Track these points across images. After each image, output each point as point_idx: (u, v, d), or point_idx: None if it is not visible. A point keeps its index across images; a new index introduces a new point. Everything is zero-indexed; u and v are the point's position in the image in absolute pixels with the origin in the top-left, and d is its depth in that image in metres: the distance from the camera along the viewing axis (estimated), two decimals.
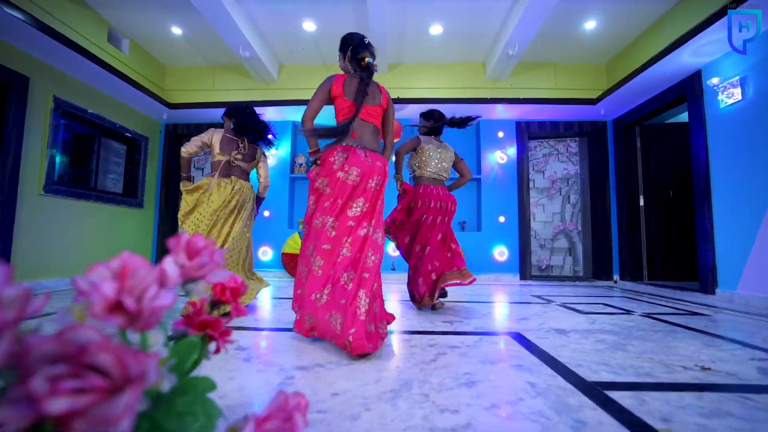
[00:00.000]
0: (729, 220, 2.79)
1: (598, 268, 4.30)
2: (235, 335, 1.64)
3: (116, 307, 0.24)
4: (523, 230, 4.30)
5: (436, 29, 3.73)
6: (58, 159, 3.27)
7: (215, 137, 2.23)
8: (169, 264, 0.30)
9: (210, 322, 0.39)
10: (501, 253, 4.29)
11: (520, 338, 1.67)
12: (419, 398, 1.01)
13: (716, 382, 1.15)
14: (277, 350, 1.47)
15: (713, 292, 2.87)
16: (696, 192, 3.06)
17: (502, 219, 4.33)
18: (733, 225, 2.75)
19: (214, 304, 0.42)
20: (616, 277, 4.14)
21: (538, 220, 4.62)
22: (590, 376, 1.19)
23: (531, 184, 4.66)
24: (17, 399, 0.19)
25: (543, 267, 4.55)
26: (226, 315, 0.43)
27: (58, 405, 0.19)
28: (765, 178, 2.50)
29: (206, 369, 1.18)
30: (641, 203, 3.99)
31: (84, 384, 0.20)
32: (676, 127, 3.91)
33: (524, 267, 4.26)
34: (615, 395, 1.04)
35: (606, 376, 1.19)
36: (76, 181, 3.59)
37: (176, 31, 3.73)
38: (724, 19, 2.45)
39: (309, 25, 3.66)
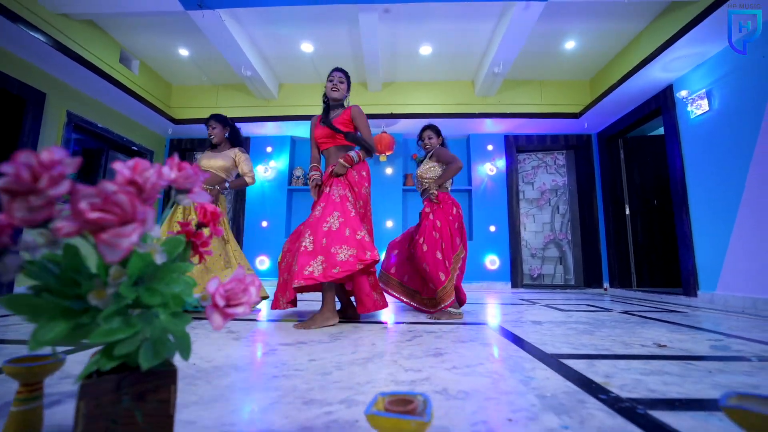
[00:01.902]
0: (706, 225, 2.91)
1: (588, 277, 4.38)
2: (229, 324, 1.74)
3: (131, 182, 0.38)
4: (513, 239, 4.41)
5: (425, 50, 4.00)
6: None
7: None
8: (165, 168, 0.44)
9: (193, 233, 0.52)
10: (492, 261, 4.39)
11: (496, 327, 1.77)
12: (388, 363, 1.11)
13: (666, 354, 1.25)
14: (266, 333, 1.57)
15: (695, 294, 2.95)
16: (674, 199, 3.20)
17: (492, 228, 4.46)
18: (709, 230, 2.87)
19: (199, 225, 0.55)
20: (606, 284, 4.21)
21: (528, 230, 4.74)
22: (551, 350, 1.29)
23: (521, 195, 4.81)
24: (69, 216, 0.32)
25: (534, 276, 4.63)
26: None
27: (93, 215, 0.32)
28: (734, 183, 2.64)
29: (199, 345, 1.29)
30: (627, 212, 4.12)
31: (109, 209, 0.33)
32: (657, 138, 4.10)
33: (515, 275, 4.34)
34: (568, 362, 1.14)
35: (566, 351, 1.29)
36: None
37: (183, 52, 4.01)
38: (688, 37, 2.66)
39: (307, 47, 3.94)
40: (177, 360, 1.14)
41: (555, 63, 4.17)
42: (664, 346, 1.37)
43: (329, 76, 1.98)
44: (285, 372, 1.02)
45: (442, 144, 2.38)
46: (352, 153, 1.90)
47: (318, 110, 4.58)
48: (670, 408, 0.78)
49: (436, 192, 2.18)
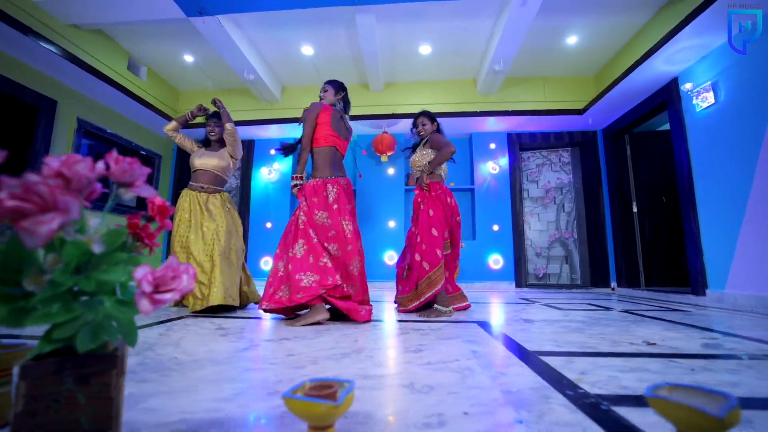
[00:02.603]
0: (713, 222, 2.81)
1: (595, 276, 4.28)
2: (220, 322, 1.78)
3: (59, 174, 0.41)
4: (517, 239, 4.36)
5: (425, 49, 3.99)
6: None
7: None
8: (99, 163, 0.46)
9: (140, 226, 0.54)
10: (496, 261, 4.34)
11: (485, 325, 1.75)
12: (364, 358, 1.12)
13: (653, 352, 1.22)
14: (254, 330, 1.60)
15: (704, 294, 2.85)
16: (681, 196, 3.10)
17: (495, 228, 4.41)
18: (717, 226, 2.77)
19: (149, 219, 0.57)
20: (613, 284, 4.11)
21: (533, 228, 4.67)
22: (533, 348, 1.27)
23: (525, 194, 4.75)
24: None
25: (540, 275, 4.55)
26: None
27: (10, 203, 0.34)
28: (742, 178, 2.55)
29: (187, 341, 1.33)
30: (634, 210, 4.02)
31: (29, 198, 0.36)
32: (665, 133, 3.98)
33: (519, 275, 4.28)
34: (547, 359, 1.13)
35: (548, 348, 1.27)
36: None
37: (188, 58, 4.12)
38: (690, 28, 2.59)
39: (307, 50, 3.99)
40: (160, 353, 1.17)
41: (558, 59, 4.10)
42: (654, 344, 1.33)
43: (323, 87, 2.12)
44: (260, 366, 1.04)
45: (437, 130, 2.32)
46: None
47: None
48: (636, 404, 0.76)
49: (426, 180, 2.14)
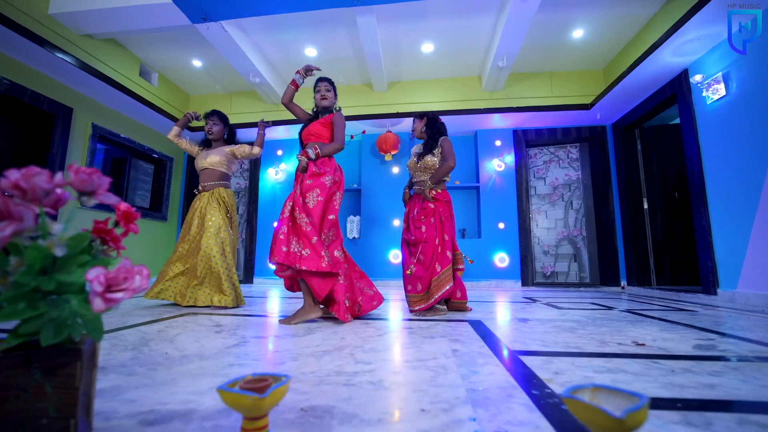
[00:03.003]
0: (725, 219, 2.71)
1: (604, 274, 4.18)
2: (219, 319, 1.85)
3: (15, 186, 0.45)
4: (523, 237, 4.30)
5: (427, 47, 3.98)
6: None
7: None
8: (57, 174, 0.51)
9: (106, 230, 0.58)
10: (501, 259, 4.30)
11: (477, 324, 1.75)
12: (345, 356, 1.15)
13: (639, 353, 1.20)
14: (249, 327, 1.66)
15: (715, 293, 2.76)
16: (692, 191, 3.00)
17: (501, 225, 4.36)
18: (728, 223, 2.67)
19: (117, 223, 0.62)
20: (623, 282, 4.01)
21: (541, 226, 4.60)
22: (517, 347, 1.28)
23: (532, 191, 4.68)
24: None
25: (548, 274, 4.48)
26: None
27: None
28: (755, 172, 2.44)
29: (182, 337, 1.39)
30: (645, 206, 3.90)
31: None
32: (676, 127, 3.85)
33: (526, 273, 4.23)
34: (527, 358, 1.13)
35: (532, 348, 1.27)
36: None
37: (197, 63, 4.25)
38: (698, 18, 2.49)
39: (310, 51, 4.04)
40: (153, 348, 1.23)
41: (564, 53, 4.01)
42: (643, 344, 1.31)
43: (315, 86, 2.08)
44: (243, 362, 1.09)
45: (441, 128, 2.28)
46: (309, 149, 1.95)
47: None
48: None
49: (432, 193, 2.12)
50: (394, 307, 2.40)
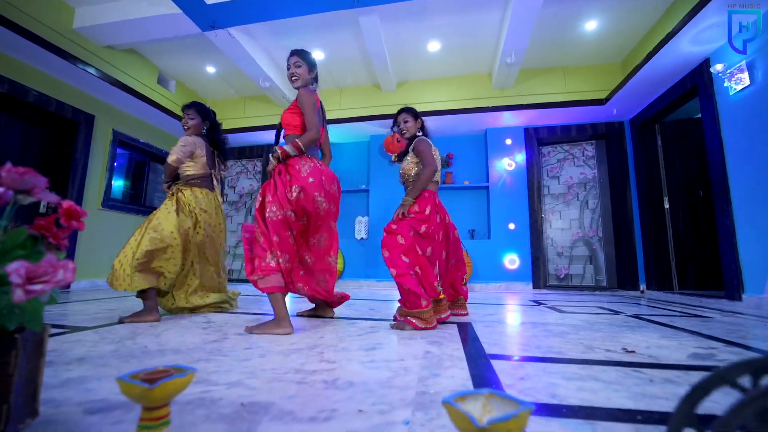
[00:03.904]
0: (750, 219, 2.50)
1: (622, 277, 3.97)
2: (212, 316, 1.91)
3: None
4: (534, 237, 4.16)
5: (434, 46, 3.94)
6: (114, 180, 4.01)
7: (200, 149, 2.07)
8: None
9: (46, 226, 0.62)
10: (512, 261, 4.18)
11: (466, 326, 1.71)
12: (313, 355, 1.15)
13: (624, 360, 1.13)
14: (236, 325, 1.69)
15: (740, 298, 2.55)
16: (714, 189, 2.79)
17: (512, 226, 4.24)
18: (755, 223, 2.46)
19: (60, 223, 0.65)
20: (642, 286, 3.79)
21: (554, 227, 4.43)
22: (493, 351, 1.23)
23: (545, 191, 4.52)
24: None
25: (561, 276, 4.31)
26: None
27: None
28: None
29: (168, 333, 1.44)
30: (666, 206, 3.67)
31: None
32: (699, 121, 3.59)
33: (537, 275, 4.09)
34: (498, 363, 1.09)
35: (509, 352, 1.23)
36: (129, 198, 4.32)
37: (210, 69, 4.41)
38: (717, 4, 2.33)
39: (318, 54, 4.10)
40: (137, 342, 1.28)
41: (578, 47, 3.85)
42: (632, 351, 1.24)
43: (287, 66, 1.75)
44: (212, 357, 1.11)
45: (422, 129, 1.99)
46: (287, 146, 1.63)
47: (335, 114, 4.76)
48: (550, 414, 0.72)
49: (406, 210, 1.77)
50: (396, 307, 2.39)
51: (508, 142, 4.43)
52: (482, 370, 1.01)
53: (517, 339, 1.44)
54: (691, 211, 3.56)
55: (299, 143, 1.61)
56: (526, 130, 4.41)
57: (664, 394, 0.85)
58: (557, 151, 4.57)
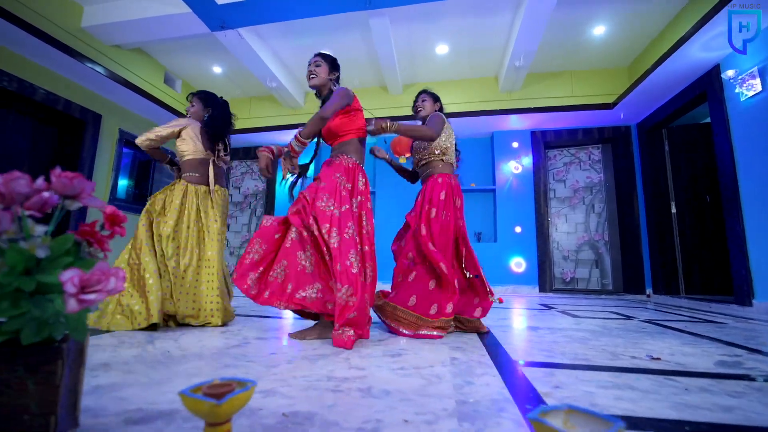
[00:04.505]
0: (761, 224, 2.51)
1: (628, 281, 3.97)
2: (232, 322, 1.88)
3: None
4: (541, 241, 4.16)
5: (442, 48, 3.94)
6: (120, 179, 3.98)
7: (191, 130, 1.92)
8: (39, 179, 0.53)
9: (90, 232, 0.60)
10: (518, 264, 4.18)
11: (485, 331, 1.70)
12: (340, 361, 1.14)
13: (653, 368, 1.12)
14: (255, 329, 1.68)
15: (750, 304, 2.55)
16: (724, 194, 2.80)
17: (518, 229, 4.24)
18: (765, 228, 2.47)
19: (102, 226, 0.64)
20: (648, 290, 3.79)
21: (560, 230, 4.43)
22: (520, 357, 1.22)
23: (551, 194, 4.52)
24: None
25: (567, 279, 4.31)
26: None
27: None
28: None
29: (186, 336, 1.42)
30: (673, 210, 3.68)
31: None
32: (707, 126, 3.61)
33: (544, 279, 4.08)
34: (529, 370, 1.08)
35: (537, 359, 1.22)
36: (133, 198, 4.29)
37: (217, 69, 4.40)
38: (727, 12, 2.34)
39: None
40: (157, 347, 1.27)
41: (585, 51, 3.87)
42: (658, 359, 1.23)
43: (308, 65, 1.72)
44: (238, 363, 1.10)
45: (440, 111, 1.93)
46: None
47: None
48: None
49: (386, 125, 1.60)
50: None
51: (515, 145, 4.44)
52: (514, 377, 1.00)
53: (540, 345, 1.43)
54: (698, 216, 3.57)
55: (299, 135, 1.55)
56: (533, 133, 4.41)
57: (704, 404, 0.84)
58: (563, 155, 4.57)
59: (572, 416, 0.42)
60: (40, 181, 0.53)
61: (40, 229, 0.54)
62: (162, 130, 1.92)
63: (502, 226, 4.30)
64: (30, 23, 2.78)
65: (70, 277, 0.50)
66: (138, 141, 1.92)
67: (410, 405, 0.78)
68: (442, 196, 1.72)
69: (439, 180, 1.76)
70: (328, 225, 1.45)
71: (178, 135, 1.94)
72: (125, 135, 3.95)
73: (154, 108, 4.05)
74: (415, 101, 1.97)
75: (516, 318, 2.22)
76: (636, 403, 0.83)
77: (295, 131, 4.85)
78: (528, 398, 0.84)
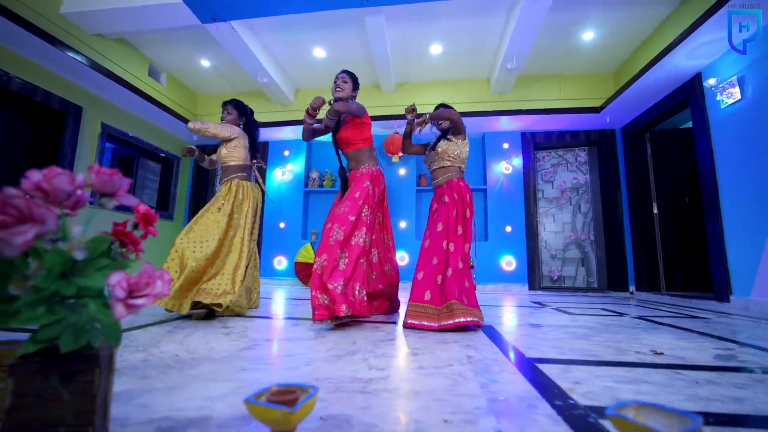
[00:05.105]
0: (738, 225, 2.66)
1: (612, 279, 4.13)
2: (226, 320, 1.83)
3: (38, 188, 0.44)
4: (530, 240, 4.26)
5: (436, 49, 3.96)
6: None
7: (243, 139, 2.25)
8: (78, 175, 0.49)
9: (125, 233, 0.57)
10: (508, 263, 4.26)
11: (489, 329, 1.73)
12: (358, 360, 1.13)
13: (658, 362, 1.17)
14: (258, 330, 1.64)
15: (728, 300, 2.71)
16: (704, 197, 2.95)
17: (508, 229, 4.33)
18: (742, 229, 2.62)
19: (135, 225, 0.60)
20: (632, 288, 3.96)
21: (548, 230, 4.56)
22: (532, 354, 1.25)
23: (540, 195, 4.64)
24: None
25: (555, 278, 4.44)
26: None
27: None
28: None
29: (191, 339, 1.38)
30: (655, 211, 3.85)
31: (6, 211, 0.38)
32: (688, 131, 3.80)
33: (533, 277, 4.19)
34: (544, 367, 1.10)
35: (548, 355, 1.24)
36: None
37: (205, 63, 4.25)
38: (712, 22, 2.46)
39: (319, 52, 4.03)
40: (163, 351, 1.22)
41: (574, 56, 3.98)
42: (661, 353, 1.28)
43: (335, 79, 2.00)
44: (255, 366, 1.07)
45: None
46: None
47: None
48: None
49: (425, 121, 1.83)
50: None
51: (506, 146, 4.52)
52: (534, 374, 1.02)
53: (546, 342, 1.46)
54: (679, 217, 3.75)
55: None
56: (523, 134, 4.51)
57: (715, 396, 0.88)
58: (551, 156, 4.70)
59: (643, 411, 0.43)
60: (81, 178, 0.49)
61: (77, 230, 0.51)
62: (218, 131, 2.16)
63: (493, 225, 4.38)
64: (5, 5, 2.60)
65: (118, 281, 0.47)
66: (191, 124, 2.14)
67: (444, 405, 0.78)
68: (469, 198, 1.91)
69: (461, 184, 1.94)
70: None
71: (227, 140, 2.22)
72: (107, 129, 3.76)
73: (138, 101, 3.88)
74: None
75: (514, 316, 2.27)
76: (655, 397, 0.86)
77: (286, 128, 4.74)
78: (554, 394, 0.86)
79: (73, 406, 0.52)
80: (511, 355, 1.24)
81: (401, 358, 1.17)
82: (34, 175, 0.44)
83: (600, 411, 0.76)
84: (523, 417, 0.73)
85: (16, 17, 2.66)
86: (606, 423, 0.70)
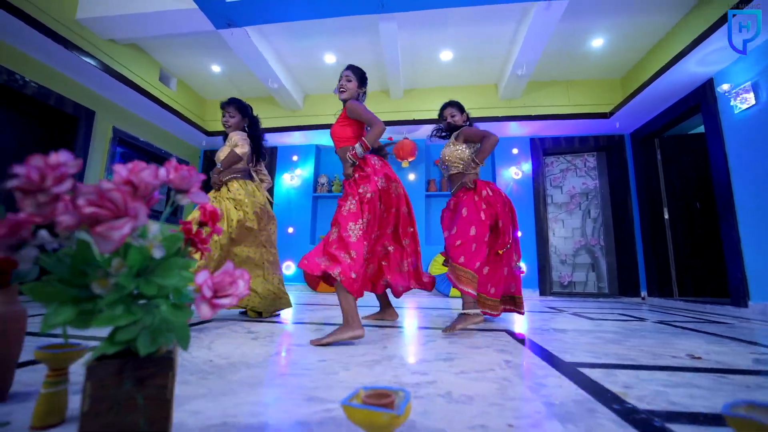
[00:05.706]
0: (755, 230, 2.66)
1: (624, 284, 4.11)
2: (249, 325, 1.81)
3: (127, 182, 0.42)
4: (541, 245, 4.25)
5: (446, 55, 4.00)
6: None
7: (248, 147, 2.16)
8: (161, 169, 0.48)
9: (196, 232, 0.56)
10: (518, 268, 4.24)
11: (515, 334, 1.71)
12: (396, 365, 1.11)
13: (698, 366, 1.15)
14: (284, 335, 1.62)
15: (746, 305, 2.69)
16: (719, 202, 2.95)
17: (518, 234, 4.31)
18: (760, 234, 2.62)
19: (201, 224, 0.59)
20: (643, 293, 3.93)
21: (557, 235, 4.55)
22: (569, 358, 1.23)
23: (549, 200, 4.64)
24: (70, 211, 0.37)
25: (565, 283, 4.41)
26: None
27: (88, 210, 0.36)
28: None
29: (219, 343, 1.36)
30: (666, 216, 3.85)
31: (104, 204, 0.37)
32: (697, 137, 3.81)
33: (544, 282, 4.16)
34: (586, 371, 1.08)
35: (586, 359, 1.22)
36: None
37: (215, 68, 4.28)
38: (725, 29, 2.48)
39: (330, 58, 4.06)
40: (195, 356, 1.20)
41: (583, 62, 4.01)
42: (699, 357, 1.26)
43: (339, 78, 1.80)
44: (294, 371, 1.05)
45: (468, 122, 2.13)
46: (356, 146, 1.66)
47: None
48: (693, 422, 0.72)
49: (472, 180, 1.91)
50: (407, 315, 2.35)
51: (515, 151, 4.53)
52: (580, 378, 1.00)
53: (578, 346, 1.44)
54: (690, 222, 3.74)
55: (366, 141, 1.66)
56: (532, 140, 4.53)
57: None
58: (560, 162, 4.71)
59: (754, 412, 0.41)
60: (163, 173, 0.48)
61: (154, 228, 0.50)
62: (244, 150, 2.11)
63: None
64: (23, 10, 2.62)
65: (204, 280, 0.45)
66: (240, 153, 2.10)
67: (502, 409, 0.76)
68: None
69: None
70: None
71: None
72: (119, 133, 3.76)
73: (150, 106, 3.89)
74: (443, 116, 2.17)
75: (535, 321, 2.24)
76: (711, 401, 0.84)
77: (295, 133, 4.74)
78: (608, 399, 0.84)
79: (146, 411, 0.50)
80: (549, 359, 1.21)
81: (438, 363, 1.15)
82: (122, 170, 0.43)
83: (662, 416, 0.74)
84: (587, 421, 0.71)
85: (35, 22, 2.68)
86: (676, 427, 0.68)
